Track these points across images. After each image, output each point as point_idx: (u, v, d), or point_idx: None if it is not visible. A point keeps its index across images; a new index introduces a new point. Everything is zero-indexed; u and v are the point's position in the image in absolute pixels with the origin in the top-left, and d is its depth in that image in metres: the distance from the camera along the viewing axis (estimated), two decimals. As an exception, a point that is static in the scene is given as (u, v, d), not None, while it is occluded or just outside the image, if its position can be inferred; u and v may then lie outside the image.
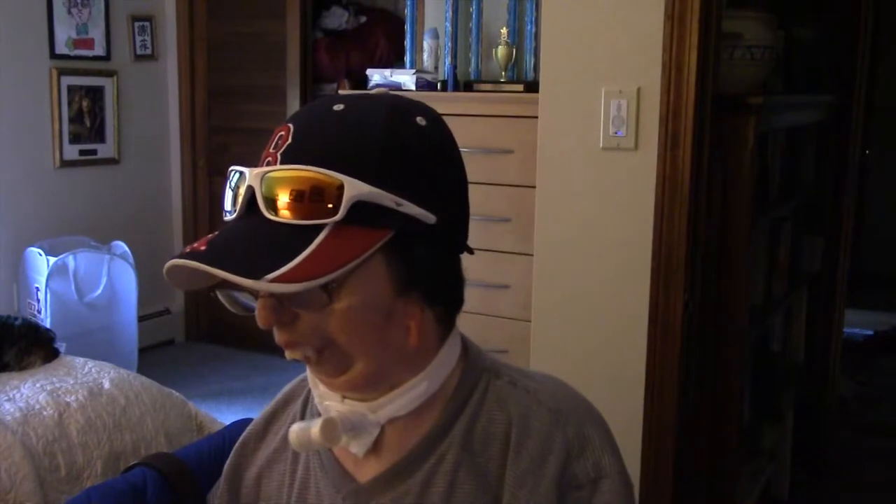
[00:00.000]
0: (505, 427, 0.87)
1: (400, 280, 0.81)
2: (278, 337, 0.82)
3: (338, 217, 0.76)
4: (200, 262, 0.74)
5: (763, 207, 2.36)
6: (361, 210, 0.77)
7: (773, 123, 2.34)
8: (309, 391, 0.96)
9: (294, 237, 0.76)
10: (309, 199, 0.77)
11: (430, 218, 0.80)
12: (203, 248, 0.76)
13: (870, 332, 5.12)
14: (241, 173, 0.81)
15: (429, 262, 0.83)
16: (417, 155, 0.82)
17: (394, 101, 0.85)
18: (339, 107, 0.82)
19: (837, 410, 3.52)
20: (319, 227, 0.76)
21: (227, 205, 0.82)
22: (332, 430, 0.83)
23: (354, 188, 0.77)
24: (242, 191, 0.79)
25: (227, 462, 1.01)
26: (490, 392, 0.89)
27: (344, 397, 0.86)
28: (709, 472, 2.10)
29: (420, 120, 0.83)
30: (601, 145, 2.01)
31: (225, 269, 0.73)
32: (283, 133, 0.81)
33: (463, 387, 0.89)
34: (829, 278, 3.16)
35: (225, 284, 0.78)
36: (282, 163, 0.79)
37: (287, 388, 1.02)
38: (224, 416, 3.38)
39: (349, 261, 0.76)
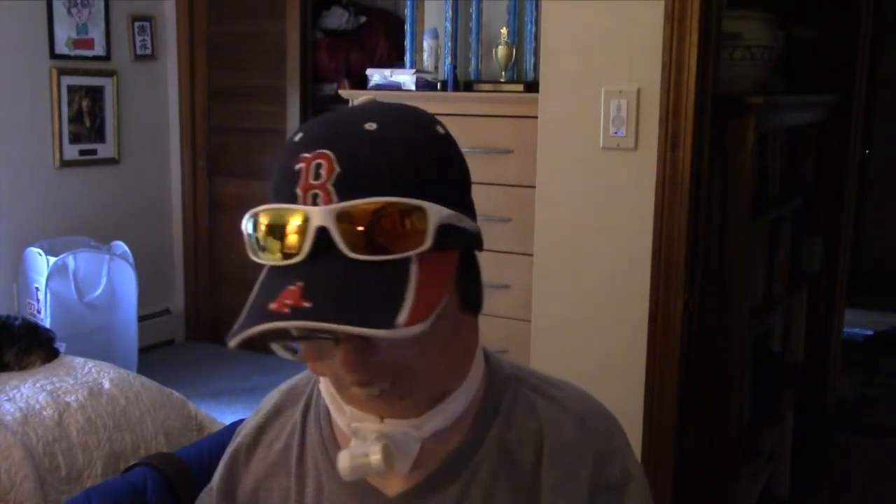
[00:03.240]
0: (537, 436, 0.86)
1: (461, 294, 0.80)
2: (355, 378, 0.77)
3: (427, 245, 0.72)
4: (317, 319, 0.67)
5: (763, 207, 2.36)
6: (439, 233, 0.74)
7: (773, 123, 2.34)
8: (308, 401, 0.93)
9: (389, 274, 0.71)
10: (393, 230, 0.72)
11: (476, 228, 0.80)
12: (307, 304, 0.69)
13: (870, 332, 5.12)
14: (302, 213, 0.72)
15: (476, 271, 0.82)
16: (454, 166, 0.80)
17: (415, 114, 0.81)
18: (370, 126, 0.76)
19: (837, 410, 3.52)
20: (407, 259, 0.72)
21: (286, 248, 0.73)
22: (392, 456, 0.79)
23: (435, 213, 0.73)
24: (309, 232, 0.72)
25: (217, 476, 0.97)
26: (519, 401, 0.88)
27: (383, 417, 0.81)
28: (709, 472, 2.10)
29: (440, 129, 0.81)
30: (601, 145, 2.01)
31: (352, 324, 0.67)
32: (321, 161, 0.74)
33: (491, 395, 0.87)
34: (829, 278, 3.16)
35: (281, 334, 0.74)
36: (340, 195, 0.72)
37: (275, 397, 0.97)
38: (224, 416, 3.38)
39: (445, 288, 0.74)
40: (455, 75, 3.07)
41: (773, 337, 2.92)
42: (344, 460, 0.79)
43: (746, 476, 2.46)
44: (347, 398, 0.82)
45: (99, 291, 3.94)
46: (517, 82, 3.00)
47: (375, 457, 0.78)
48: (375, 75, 3.15)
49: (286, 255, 0.73)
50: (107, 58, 4.38)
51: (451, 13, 3.18)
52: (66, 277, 3.84)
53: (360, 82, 3.64)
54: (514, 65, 3.09)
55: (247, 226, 0.76)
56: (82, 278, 3.89)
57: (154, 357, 4.46)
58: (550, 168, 2.09)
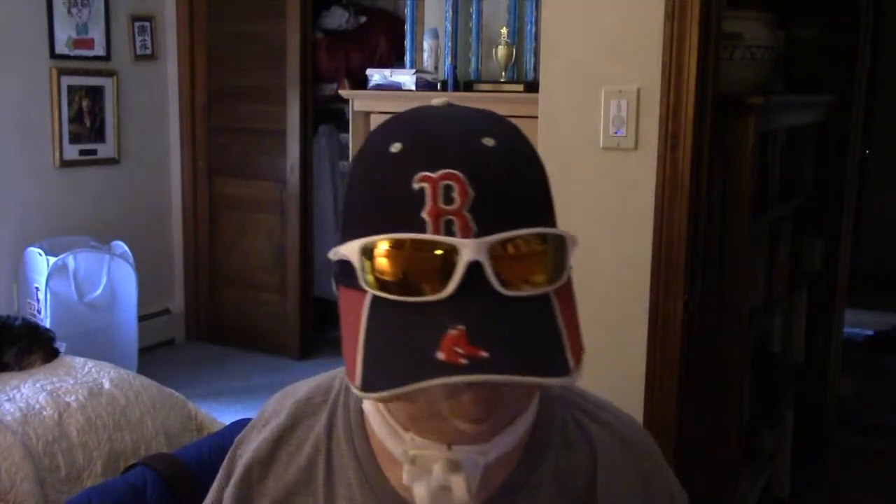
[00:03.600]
0: (589, 459, 0.85)
1: None
2: (478, 415, 0.70)
3: (566, 276, 0.69)
4: (499, 372, 0.62)
5: (763, 207, 2.36)
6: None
7: (773, 123, 2.34)
8: (331, 416, 0.87)
9: (536, 310, 0.67)
10: (541, 263, 0.68)
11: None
12: (483, 353, 0.62)
13: (870, 332, 5.12)
14: (450, 246, 0.66)
15: None
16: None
17: (510, 122, 0.76)
18: (489, 141, 0.70)
19: (837, 410, 3.52)
20: (547, 292, 0.68)
21: (426, 283, 0.66)
22: (470, 486, 0.74)
23: (570, 241, 0.70)
24: (459, 266, 0.65)
25: (230, 494, 0.89)
26: (569, 422, 0.86)
27: (450, 444, 0.75)
28: (709, 472, 2.10)
29: None
30: (601, 145, 2.01)
31: (534, 374, 0.63)
32: (451, 183, 0.67)
33: (545, 417, 0.85)
34: (829, 278, 3.16)
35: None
36: (478, 222, 0.67)
37: (289, 408, 0.90)
38: (224, 416, 3.38)
39: (578, 318, 0.69)
40: (455, 75, 3.07)
41: (773, 337, 2.92)
42: (421, 491, 0.74)
43: (746, 476, 2.46)
44: (424, 428, 0.75)
45: (99, 291, 3.94)
46: (517, 82, 3.01)
47: (460, 493, 0.73)
48: (375, 75, 3.15)
49: (422, 290, 0.66)
50: (107, 58, 4.38)
51: (451, 13, 3.18)
52: (66, 277, 3.84)
53: (360, 82, 3.64)
54: (514, 65, 3.09)
55: (359, 255, 0.68)
56: (82, 278, 3.89)
57: (154, 357, 4.46)
58: (550, 168, 2.07)
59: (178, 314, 4.87)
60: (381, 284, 0.68)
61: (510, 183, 0.70)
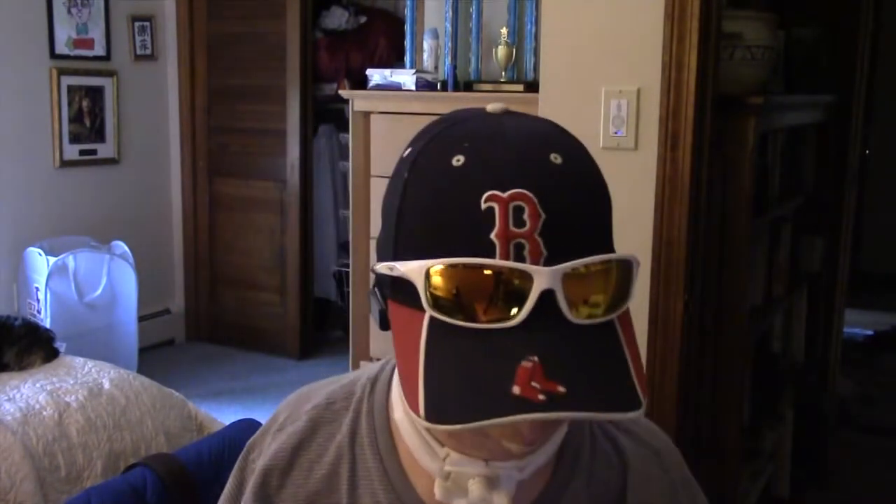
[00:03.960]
0: (620, 467, 0.84)
1: None
2: (533, 439, 0.70)
3: (630, 302, 0.68)
4: (576, 409, 0.61)
5: (763, 207, 2.36)
6: None
7: (773, 123, 2.34)
8: (354, 424, 0.84)
9: (603, 337, 0.66)
10: (614, 290, 0.67)
11: None
12: (561, 388, 0.61)
13: (870, 332, 5.12)
14: (524, 272, 0.64)
15: None
16: None
17: (572, 135, 0.74)
18: (556, 158, 0.68)
19: (837, 410, 3.52)
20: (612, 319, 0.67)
21: (496, 311, 0.64)
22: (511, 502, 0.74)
23: (637, 266, 0.69)
24: (532, 294, 0.63)
25: (247, 502, 0.86)
26: (598, 435, 0.85)
27: (487, 460, 0.73)
28: (709, 472, 2.10)
29: None
30: (601, 145, 2.01)
31: (610, 410, 0.62)
32: (521, 204, 0.65)
33: (574, 430, 0.83)
34: (829, 278, 3.16)
35: None
36: (549, 247, 0.64)
37: (310, 413, 0.87)
38: (224, 416, 3.38)
39: (637, 346, 0.68)
40: (455, 75, 3.07)
41: (773, 337, 2.92)
42: None
43: (746, 476, 2.46)
44: (465, 444, 0.73)
45: (99, 291, 3.94)
46: (517, 82, 3.01)
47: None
48: (375, 75, 3.15)
49: (490, 317, 0.64)
50: (107, 58, 4.38)
51: (451, 13, 3.18)
52: (66, 277, 3.84)
53: (360, 82, 3.64)
54: (514, 65, 3.09)
55: (424, 276, 0.65)
56: (82, 278, 3.89)
57: (154, 357, 4.46)
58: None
59: (178, 314, 4.87)
60: (444, 306, 0.65)
61: (580, 205, 0.68)
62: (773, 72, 2.37)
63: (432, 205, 0.67)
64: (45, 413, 2.41)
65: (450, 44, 3.18)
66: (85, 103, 4.28)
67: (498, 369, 0.62)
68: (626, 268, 0.68)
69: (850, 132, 3.08)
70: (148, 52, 4.58)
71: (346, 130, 3.39)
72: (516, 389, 0.61)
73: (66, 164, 4.23)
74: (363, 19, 4.69)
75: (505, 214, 0.64)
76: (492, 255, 0.64)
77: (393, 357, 0.79)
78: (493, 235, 0.64)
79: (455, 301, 0.65)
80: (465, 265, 0.64)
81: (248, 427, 1.41)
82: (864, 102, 3.20)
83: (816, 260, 3.06)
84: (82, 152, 4.30)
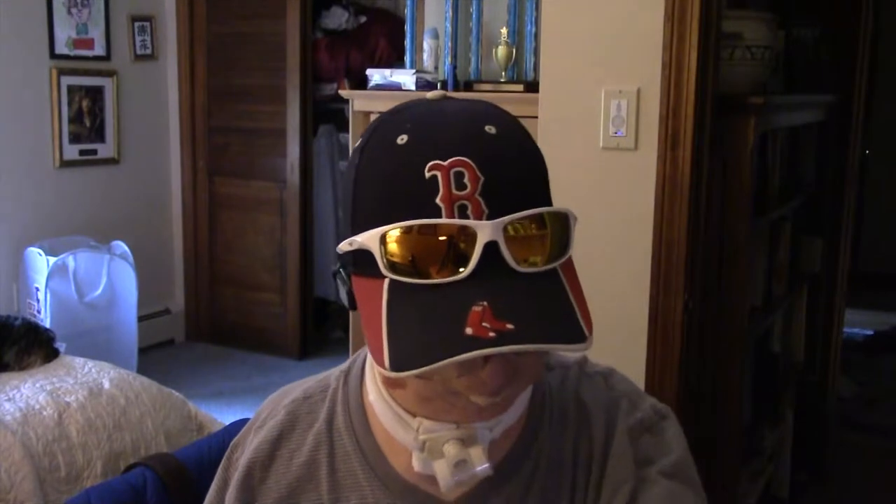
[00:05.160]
0: (578, 405, 0.87)
1: None
2: (495, 388, 0.73)
3: (571, 251, 0.75)
4: (525, 342, 0.67)
5: (763, 207, 2.36)
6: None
7: (773, 123, 2.34)
8: (331, 412, 0.89)
9: (548, 284, 0.72)
10: (551, 240, 0.73)
11: None
12: (510, 326, 0.67)
13: (870, 332, 5.12)
14: (467, 227, 0.70)
15: None
16: None
17: (505, 111, 0.81)
18: (490, 129, 0.75)
19: (837, 410, 3.52)
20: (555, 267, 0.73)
21: (446, 265, 0.70)
22: (485, 455, 0.77)
23: (573, 217, 0.75)
24: (477, 247, 0.69)
25: (232, 498, 0.89)
26: (553, 382, 0.88)
27: (458, 423, 0.78)
28: (709, 472, 2.10)
29: None
30: (601, 145, 2.01)
31: (558, 342, 0.69)
32: (461, 170, 0.71)
33: (538, 393, 0.86)
34: (829, 278, 3.16)
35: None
36: (489, 205, 0.70)
37: (287, 406, 0.91)
38: (224, 416, 3.38)
39: (582, 291, 0.74)
40: (455, 75, 3.07)
41: (773, 337, 2.92)
42: (442, 469, 0.76)
43: (746, 476, 2.46)
44: (435, 408, 0.77)
45: (99, 291, 3.94)
46: (517, 82, 3.00)
47: (480, 462, 0.76)
48: (375, 75, 3.15)
49: (441, 272, 0.70)
50: (107, 58, 4.38)
51: (451, 13, 3.18)
52: (66, 277, 3.84)
53: (360, 82, 3.64)
54: (514, 65, 3.09)
55: (378, 243, 0.71)
56: (82, 278, 3.89)
57: (154, 357, 4.46)
58: (550, 168, 2.08)
59: (178, 314, 4.87)
60: (401, 269, 0.71)
61: (515, 167, 0.74)
62: (773, 72, 2.37)
63: (382, 180, 0.74)
64: (45, 413, 2.41)
65: (450, 44, 3.18)
66: (85, 103, 4.28)
67: (451, 316, 0.68)
68: (562, 220, 0.74)
69: (850, 132, 3.08)
70: (148, 51, 4.58)
71: (346, 130, 3.39)
72: (469, 330, 0.66)
73: (65, 164, 4.23)
74: (363, 19, 4.69)
75: (447, 180, 0.71)
76: (439, 217, 0.70)
77: (365, 349, 0.85)
78: (438, 200, 0.70)
79: (411, 264, 0.70)
80: (414, 228, 0.70)
81: (248, 427, 1.41)
82: (864, 102, 3.19)
83: (816, 260, 3.06)
84: (82, 152, 4.30)
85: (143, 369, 3.83)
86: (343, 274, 0.78)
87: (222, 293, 4.79)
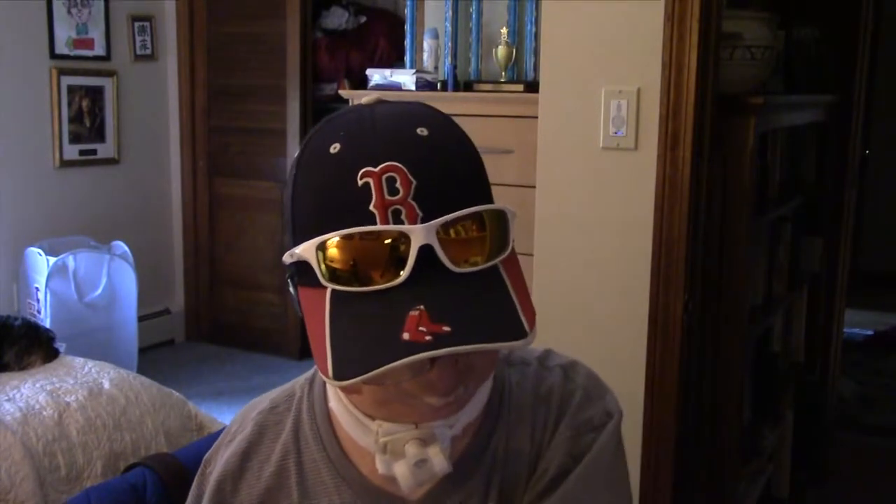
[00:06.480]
0: (532, 401, 0.87)
1: None
2: (445, 387, 0.74)
3: (510, 248, 0.75)
4: (462, 343, 0.66)
5: (763, 207, 2.36)
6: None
7: (773, 123, 2.34)
8: (296, 421, 0.90)
9: (487, 282, 0.72)
10: (488, 239, 0.73)
11: None
12: (445, 328, 0.67)
13: (870, 332, 5.12)
14: (399, 233, 0.70)
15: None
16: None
17: (440, 112, 0.81)
18: (422, 131, 0.75)
19: (837, 410, 3.52)
20: (496, 264, 0.74)
21: (383, 272, 0.70)
22: (445, 453, 0.78)
23: (511, 215, 0.75)
24: (412, 252, 0.69)
25: None
26: (513, 376, 0.88)
27: (417, 423, 0.78)
28: (709, 472, 2.10)
29: None
30: (601, 145, 2.01)
31: (495, 340, 0.68)
32: (393, 175, 0.71)
33: (497, 385, 0.87)
34: (829, 278, 3.16)
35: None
36: (423, 208, 0.70)
37: (255, 419, 0.92)
38: (224, 416, 3.38)
39: (525, 285, 0.75)
40: (455, 75, 3.07)
41: (773, 337, 2.92)
42: (402, 470, 0.77)
43: (746, 476, 2.46)
44: (393, 411, 0.78)
45: (99, 291, 3.94)
46: (517, 82, 3.00)
47: (440, 461, 0.76)
48: (375, 75, 3.15)
49: (378, 279, 0.70)
50: (107, 58, 4.38)
51: (451, 13, 3.18)
52: (66, 277, 3.84)
53: (360, 82, 3.64)
54: (514, 65, 3.09)
55: (314, 253, 0.71)
56: (82, 278, 3.89)
57: (154, 357, 4.46)
58: (550, 168, 2.09)
59: (178, 314, 4.87)
60: (339, 278, 0.71)
61: (448, 168, 0.74)
62: (773, 72, 2.36)
63: (316, 191, 0.74)
64: (45, 413, 2.41)
65: (450, 44, 3.18)
66: (85, 103, 4.28)
67: (389, 322, 0.68)
68: (500, 217, 0.74)
69: (850, 132, 3.08)
70: (148, 52, 4.58)
71: (346, 130, 3.38)
72: (406, 335, 0.67)
73: (65, 164, 4.23)
74: (363, 19, 4.69)
75: (379, 186, 0.71)
76: (373, 224, 0.71)
77: None
78: (371, 206, 0.70)
79: (346, 270, 0.71)
80: (347, 236, 0.70)
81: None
82: (864, 102, 3.19)
83: (816, 260, 3.06)
84: (82, 152, 4.30)
85: (143, 369, 3.83)
86: (291, 285, 0.79)
87: (222, 293, 4.79)
